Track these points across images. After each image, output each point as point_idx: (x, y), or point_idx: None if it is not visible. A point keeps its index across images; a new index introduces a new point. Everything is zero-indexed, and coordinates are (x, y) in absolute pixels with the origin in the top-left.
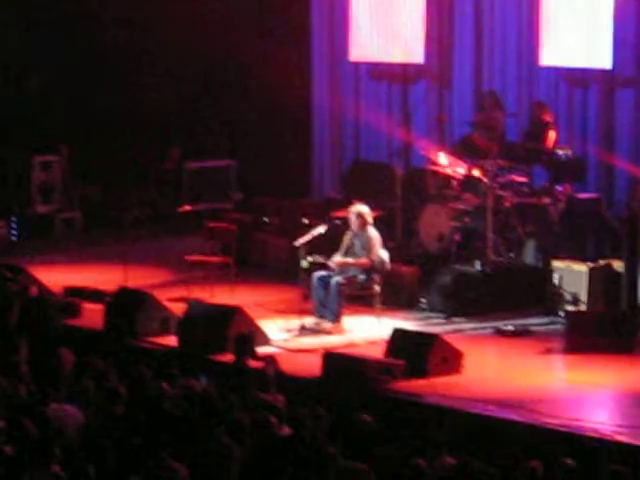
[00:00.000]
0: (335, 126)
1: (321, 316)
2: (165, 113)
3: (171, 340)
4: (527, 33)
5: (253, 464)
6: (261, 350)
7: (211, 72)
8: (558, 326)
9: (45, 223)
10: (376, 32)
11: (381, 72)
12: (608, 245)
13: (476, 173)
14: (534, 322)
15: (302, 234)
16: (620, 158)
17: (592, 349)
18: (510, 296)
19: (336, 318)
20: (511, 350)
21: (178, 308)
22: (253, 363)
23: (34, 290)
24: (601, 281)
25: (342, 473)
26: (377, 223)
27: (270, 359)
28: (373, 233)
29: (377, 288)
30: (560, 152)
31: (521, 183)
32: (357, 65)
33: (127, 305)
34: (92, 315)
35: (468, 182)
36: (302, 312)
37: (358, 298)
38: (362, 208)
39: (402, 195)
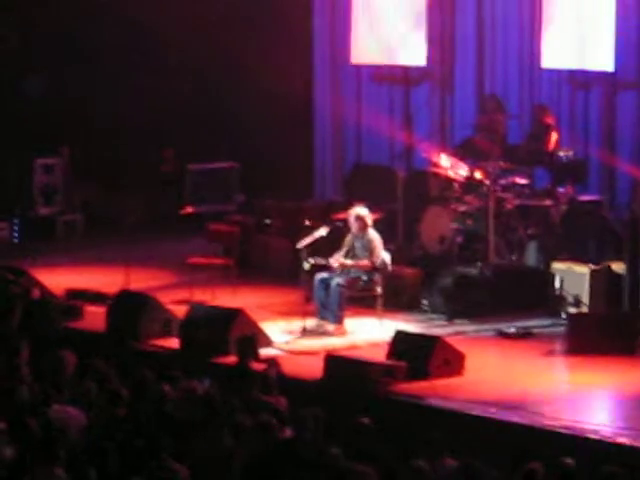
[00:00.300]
0: (337, 129)
1: (323, 318)
2: (166, 114)
3: (173, 342)
4: (529, 35)
5: (255, 466)
6: (263, 352)
7: (212, 74)
8: (560, 328)
9: (47, 225)
10: (378, 35)
11: (383, 75)
12: (610, 247)
13: (478, 175)
14: (536, 324)
15: (304, 236)
16: (622, 160)
17: (594, 351)
18: (512, 298)
19: (338, 320)
20: (513, 352)
21: (180, 310)
22: (255, 365)
23: (36, 292)
24: (603, 283)
25: (345, 475)
26: (379, 225)
27: (272, 361)
28: (374, 235)
29: (379, 290)
30: (562, 154)
31: (523, 185)
32: (359, 68)
33: (129, 307)
34: (94, 317)
35: (470, 184)
36: (304, 314)
37: (360, 300)
38: (361, 210)
39: (404, 197)
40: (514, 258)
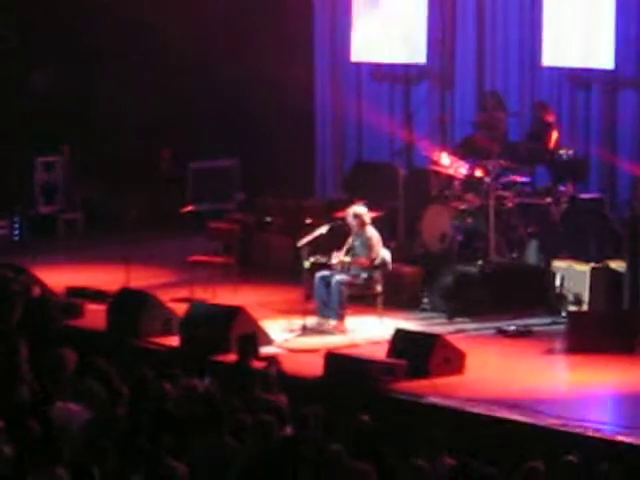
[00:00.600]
0: (338, 127)
1: (324, 316)
2: (166, 113)
3: (173, 340)
4: (529, 33)
5: (255, 464)
6: (264, 350)
7: (213, 73)
8: (560, 326)
9: (47, 223)
10: (378, 33)
11: (383, 73)
12: (610, 245)
13: (478, 173)
14: (536, 322)
15: (305, 234)
16: (622, 158)
17: (594, 349)
18: (512, 296)
19: (339, 317)
20: (513, 350)
21: (180, 308)
22: (256, 363)
23: (36, 290)
24: (603, 281)
25: (346, 473)
26: (379, 223)
27: (272, 359)
28: (372, 233)
29: (379, 288)
30: (562, 152)
31: (523, 183)
32: (359, 66)
33: (129, 305)
34: (94, 315)
35: (470, 182)
36: (304, 312)
37: (360, 298)
38: (359, 209)
39: (404, 195)
40: (514, 256)
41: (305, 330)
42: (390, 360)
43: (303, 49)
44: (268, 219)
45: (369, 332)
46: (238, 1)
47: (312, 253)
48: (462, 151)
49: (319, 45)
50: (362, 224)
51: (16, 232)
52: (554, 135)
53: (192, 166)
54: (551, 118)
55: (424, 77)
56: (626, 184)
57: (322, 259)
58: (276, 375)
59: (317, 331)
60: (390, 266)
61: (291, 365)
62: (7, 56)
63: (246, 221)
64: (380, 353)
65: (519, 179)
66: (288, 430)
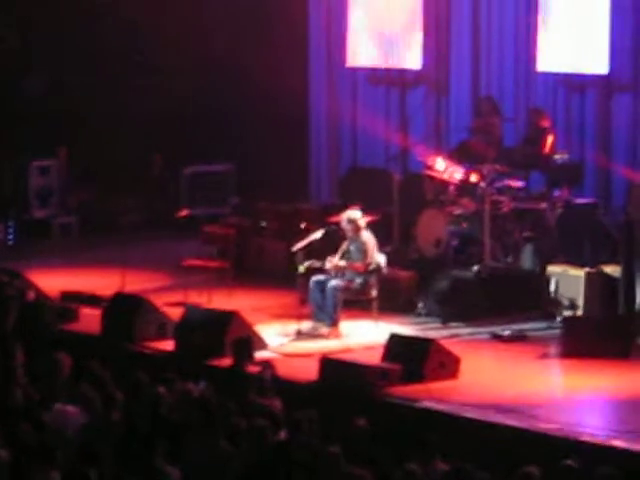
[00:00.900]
0: (333, 131)
1: (319, 320)
2: (161, 116)
3: (168, 345)
4: (524, 39)
5: (250, 469)
6: (258, 355)
7: (208, 76)
8: (555, 331)
9: (42, 227)
10: (374, 38)
11: (379, 78)
12: (605, 250)
13: (473, 178)
14: (531, 327)
15: (299, 239)
16: (617, 163)
17: (589, 354)
18: (507, 301)
19: (334, 322)
20: (508, 355)
21: (175, 313)
22: (250, 368)
23: (31, 295)
24: (598, 286)
25: (341, 478)
26: (374, 228)
27: (267, 364)
28: (367, 237)
29: (374, 293)
30: (557, 157)
31: (518, 188)
32: (355, 71)
33: (124, 310)
34: (89, 320)
35: (465, 187)
36: (299, 317)
37: (355, 303)
38: (353, 214)
39: (399, 200)
40: (509, 261)
41: (300, 335)
42: (385, 365)
43: (298, 54)
44: (263, 224)
45: (364, 337)
46: (235, 5)
47: (307, 258)
48: (457, 156)
49: (314, 50)
50: (357, 229)
51: (10, 236)
52: (549, 140)
53: (187, 170)
54: (546, 123)
55: (419, 82)
56: (621, 189)
57: (317, 264)
58: (271, 379)
59: (312, 336)
60: (385, 271)
61: (286, 370)
62: (7, 56)
63: (241, 225)
64: (375, 358)
65: (514, 184)
66: (282, 435)
